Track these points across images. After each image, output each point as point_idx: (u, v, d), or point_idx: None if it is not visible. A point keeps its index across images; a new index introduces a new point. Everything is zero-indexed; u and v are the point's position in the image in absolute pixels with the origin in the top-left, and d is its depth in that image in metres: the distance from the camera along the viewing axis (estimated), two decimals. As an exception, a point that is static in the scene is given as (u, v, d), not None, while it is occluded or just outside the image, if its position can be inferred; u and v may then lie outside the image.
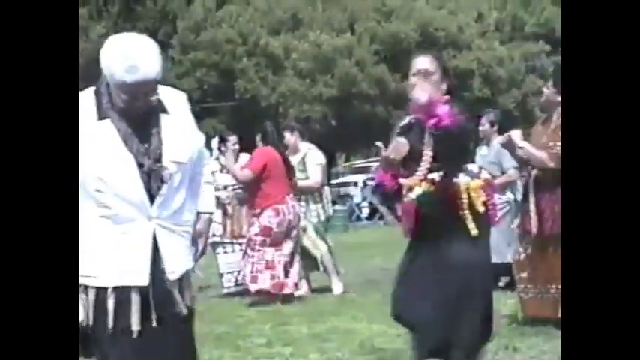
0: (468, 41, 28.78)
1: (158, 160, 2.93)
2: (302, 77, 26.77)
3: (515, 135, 5.57)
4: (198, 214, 3.37)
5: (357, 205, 26.35)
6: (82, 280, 2.91)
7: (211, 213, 3.64)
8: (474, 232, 3.76)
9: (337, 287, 7.81)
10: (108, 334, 2.90)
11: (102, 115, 2.89)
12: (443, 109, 3.72)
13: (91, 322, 2.92)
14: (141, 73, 2.78)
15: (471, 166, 3.89)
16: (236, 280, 8.08)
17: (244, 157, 8.32)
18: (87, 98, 2.92)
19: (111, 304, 2.89)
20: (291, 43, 27.20)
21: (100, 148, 2.87)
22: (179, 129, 3.00)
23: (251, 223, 7.61)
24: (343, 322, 6.07)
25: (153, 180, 2.91)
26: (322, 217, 8.07)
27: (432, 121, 3.71)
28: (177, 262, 3.00)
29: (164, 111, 2.98)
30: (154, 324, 2.91)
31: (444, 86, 3.91)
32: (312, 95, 26.36)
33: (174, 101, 3.04)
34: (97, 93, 2.93)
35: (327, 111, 26.40)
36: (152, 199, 2.92)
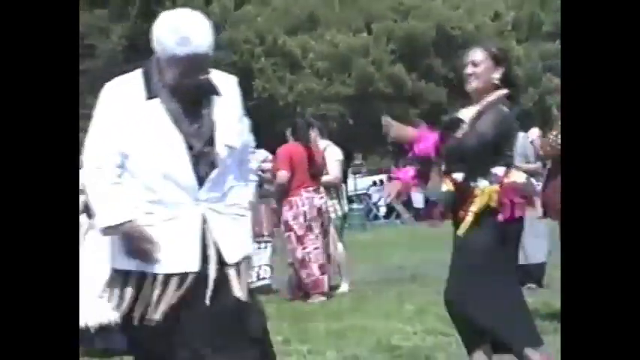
0: (484, 40, 28.69)
1: (208, 142, 2.82)
2: (319, 76, 26.77)
3: (533, 132, 5.80)
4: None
5: (374, 203, 26.32)
6: (127, 267, 2.83)
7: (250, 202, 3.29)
8: (460, 231, 3.79)
9: (344, 285, 7.87)
10: (158, 322, 2.78)
11: (151, 94, 2.80)
12: (425, 143, 3.85)
13: (139, 312, 2.82)
14: (192, 46, 2.69)
15: (496, 170, 3.83)
16: (257, 275, 8.13)
17: (260, 154, 8.41)
18: (134, 78, 2.85)
19: (159, 291, 2.79)
20: (309, 43, 27.21)
21: (148, 127, 2.77)
22: (231, 112, 2.90)
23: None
24: (360, 320, 6.09)
25: (202, 163, 2.81)
26: (339, 213, 8.13)
27: (409, 155, 3.90)
28: (233, 245, 2.89)
29: (216, 93, 2.88)
30: (211, 309, 2.79)
31: (496, 75, 3.88)
32: (329, 94, 26.37)
33: (226, 84, 2.94)
34: (146, 72, 2.85)
35: (343, 110, 26.41)
36: (201, 182, 2.81)
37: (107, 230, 2.84)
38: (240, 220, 2.94)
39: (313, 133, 7.96)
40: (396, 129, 3.95)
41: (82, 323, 5.45)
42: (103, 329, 5.38)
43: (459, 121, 3.90)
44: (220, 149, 2.84)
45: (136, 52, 24.54)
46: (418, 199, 28.70)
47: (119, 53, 23.25)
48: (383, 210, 25.95)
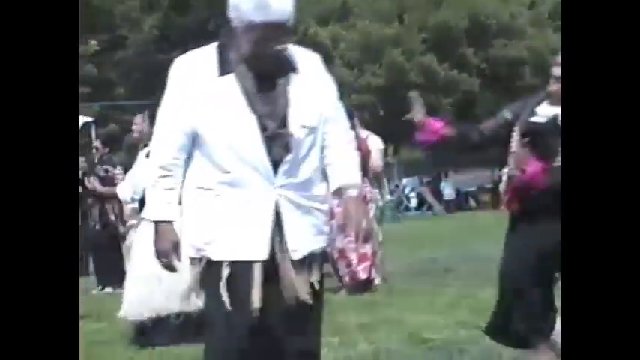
0: (519, 30, 28.40)
1: (283, 123, 2.64)
2: (350, 67, 26.74)
3: None
4: (340, 189, 2.82)
5: (406, 195, 26.29)
6: (193, 253, 2.71)
7: (356, 186, 2.84)
8: None
9: (377, 278, 7.84)
10: (220, 313, 2.63)
11: (225, 70, 2.64)
12: (428, 135, 3.80)
13: (199, 298, 2.72)
14: (271, 11, 2.52)
15: None
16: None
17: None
18: (208, 53, 2.69)
19: (225, 278, 2.63)
20: (340, 33, 27.18)
21: (220, 105, 2.61)
22: (309, 91, 2.69)
23: None
24: (392, 312, 6.06)
25: (277, 145, 2.62)
26: (380, 203, 8.14)
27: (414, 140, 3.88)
28: (301, 239, 2.69)
29: (293, 70, 2.69)
30: (267, 305, 2.63)
31: None
32: (360, 85, 26.33)
33: (306, 61, 2.75)
34: (221, 46, 2.69)
35: (375, 101, 26.36)
36: (276, 166, 2.63)
37: (147, 219, 2.80)
38: (315, 212, 2.74)
39: (355, 124, 7.94)
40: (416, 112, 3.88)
41: (138, 317, 5.47)
42: (160, 323, 5.41)
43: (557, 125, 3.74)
44: (295, 130, 2.64)
45: (168, 42, 24.68)
46: (449, 192, 28.67)
47: (150, 44, 23.38)
48: (414, 202, 25.92)
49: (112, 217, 9.15)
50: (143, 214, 2.80)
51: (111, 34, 22.88)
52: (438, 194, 26.52)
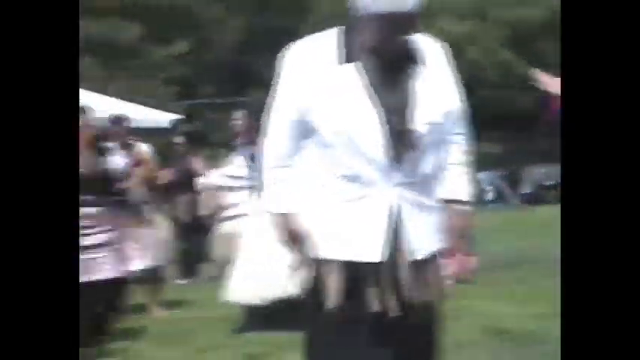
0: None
1: (407, 118, 2.47)
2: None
3: None
4: (447, 202, 2.64)
5: (483, 188, 25.96)
6: (302, 250, 2.58)
7: (465, 203, 2.66)
8: None
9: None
10: (323, 314, 2.50)
11: (347, 58, 2.47)
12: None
13: (304, 297, 2.61)
14: (398, 1, 2.38)
15: None
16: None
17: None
18: (328, 39, 2.52)
19: (336, 279, 2.49)
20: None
21: (341, 96, 2.44)
22: (435, 85, 2.54)
23: None
24: (469, 302, 6.05)
25: (399, 141, 2.45)
26: None
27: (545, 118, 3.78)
28: (421, 240, 2.53)
29: (420, 62, 2.53)
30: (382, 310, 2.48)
31: None
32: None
33: (433, 52, 2.60)
34: (345, 32, 2.51)
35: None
36: (397, 163, 2.46)
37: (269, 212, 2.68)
38: (433, 212, 2.57)
39: None
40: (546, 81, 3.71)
41: (240, 300, 5.54)
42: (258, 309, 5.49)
43: None
44: (419, 126, 2.47)
45: (252, 45, 24.95)
46: (527, 185, 27.90)
47: (235, 45, 23.65)
48: (491, 195, 25.60)
49: (200, 209, 9.09)
50: (267, 207, 2.70)
51: (198, 36, 23.31)
52: (515, 187, 26.13)
